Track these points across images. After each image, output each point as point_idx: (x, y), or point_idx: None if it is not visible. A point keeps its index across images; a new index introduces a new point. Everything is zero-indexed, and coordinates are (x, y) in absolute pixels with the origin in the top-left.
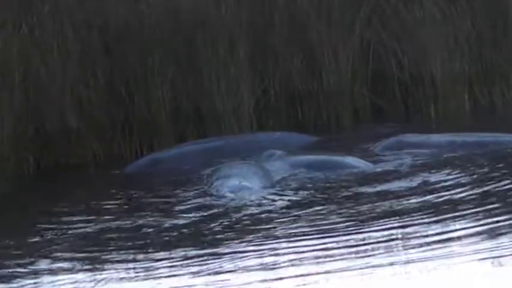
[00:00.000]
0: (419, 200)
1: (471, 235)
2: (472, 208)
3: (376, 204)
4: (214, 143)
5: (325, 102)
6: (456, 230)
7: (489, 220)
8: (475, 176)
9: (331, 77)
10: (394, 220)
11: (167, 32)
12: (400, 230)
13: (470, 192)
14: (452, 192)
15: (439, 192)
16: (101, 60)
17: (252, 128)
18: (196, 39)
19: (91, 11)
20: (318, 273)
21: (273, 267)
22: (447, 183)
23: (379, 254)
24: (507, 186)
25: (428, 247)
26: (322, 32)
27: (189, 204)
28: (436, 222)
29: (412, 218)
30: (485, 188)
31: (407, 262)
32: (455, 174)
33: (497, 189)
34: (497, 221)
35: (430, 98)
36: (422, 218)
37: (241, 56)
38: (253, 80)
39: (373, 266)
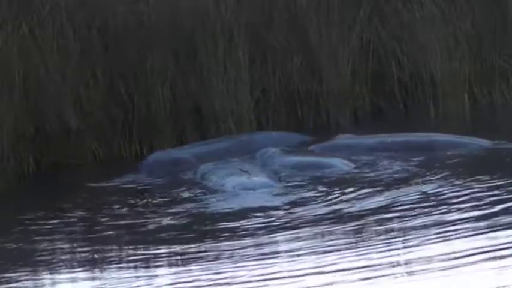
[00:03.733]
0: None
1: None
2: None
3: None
4: (218, 144)
5: (325, 102)
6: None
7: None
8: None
9: (331, 77)
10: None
11: (167, 32)
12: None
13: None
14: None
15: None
16: (100, 60)
17: (251, 128)
18: (196, 39)
19: (91, 11)
20: None
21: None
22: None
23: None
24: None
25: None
26: (322, 32)
27: (179, 204)
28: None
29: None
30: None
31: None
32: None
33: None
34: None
35: (429, 97)
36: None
37: (241, 56)
38: (253, 80)
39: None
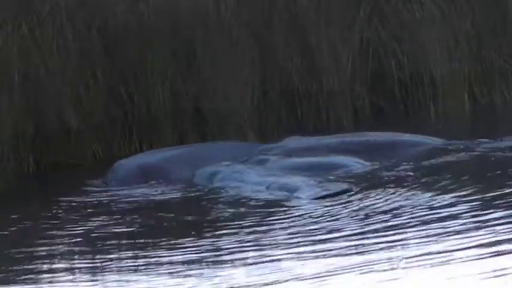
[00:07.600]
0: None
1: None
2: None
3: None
4: (180, 151)
5: (325, 102)
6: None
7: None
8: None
9: (331, 77)
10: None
11: (167, 32)
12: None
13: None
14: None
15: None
16: (100, 60)
17: (251, 128)
18: (196, 39)
19: (91, 11)
20: None
21: None
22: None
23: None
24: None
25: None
26: (322, 32)
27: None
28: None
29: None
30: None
31: None
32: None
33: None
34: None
35: (429, 98)
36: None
37: (241, 56)
38: (253, 80)
39: None
